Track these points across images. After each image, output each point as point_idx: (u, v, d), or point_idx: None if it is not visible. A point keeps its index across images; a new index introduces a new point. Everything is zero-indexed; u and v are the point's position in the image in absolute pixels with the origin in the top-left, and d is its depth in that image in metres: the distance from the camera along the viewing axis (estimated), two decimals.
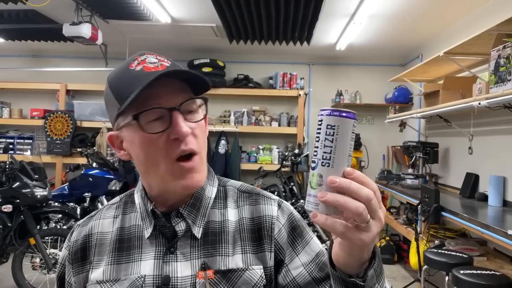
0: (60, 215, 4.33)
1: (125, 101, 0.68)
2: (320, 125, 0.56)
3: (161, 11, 4.03)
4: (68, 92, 5.94)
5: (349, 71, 5.98)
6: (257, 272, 0.76)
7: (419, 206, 3.42)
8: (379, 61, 5.84)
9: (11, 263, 3.51)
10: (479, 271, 2.38)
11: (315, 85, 6.01)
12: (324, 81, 5.99)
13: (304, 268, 0.77)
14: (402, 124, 4.94)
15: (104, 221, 0.83)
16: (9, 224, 3.54)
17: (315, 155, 0.56)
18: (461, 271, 2.36)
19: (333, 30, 4.63)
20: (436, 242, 3.23)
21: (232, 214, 0.81)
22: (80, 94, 6.07)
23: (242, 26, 4.45)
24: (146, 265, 0.75)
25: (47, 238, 3.65)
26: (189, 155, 0.72)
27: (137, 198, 0.82)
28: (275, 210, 0.82)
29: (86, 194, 4.73)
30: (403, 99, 5.40)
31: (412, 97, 5.39)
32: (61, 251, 3.61)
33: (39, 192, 3.61)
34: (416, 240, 3.32)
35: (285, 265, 0.78)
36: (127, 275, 0.75)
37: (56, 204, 4.28)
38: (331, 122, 0.55)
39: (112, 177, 4.90)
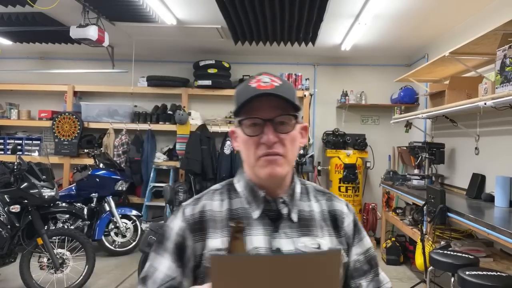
0: (67, 215, 4.38)
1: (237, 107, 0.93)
2: None
3: (167, 13, 4.06)
4: (75, 93, 6.00)
5: (355, 72, 5.97)
6: (341, 251, 0.97)
7: (424, 207, 3.41)
8: (384, 61, 5.82)
9: (19, 263, 3.55)
10: (485, 272, 2.36)
11: (320, 86, 6.00)
12: (330, 82, 5.98)
13: (357, 257, 1.01)
14: (408, 125, 4.92)
15: (213, 203, 1.00)
16: (17, 224, 3.59)
17: None
18: (467, 272, 2.34)
19: (338, 31, 4.63)
20: (442, 243, 3.21)
21: (315, 206, 1.02)
22: (87, 95, 6.13)
23: (247, 27, 4.46)
24: (257, 240, 0.92)
25: (54, 238, 3.69)
26: (273, 155, 0.91)
27: (240, 186, 1.01)
28: (345, 208, 1.05)
29: (93, 194, 4.78)
30: (408, 100, 5.38)
31: (418, 98, 5.36)
32: (68, 251, 3.65)
33: (47, 193, 3.65)
34: (422, 241, 3.31)
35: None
36: None
37: (64, 204, 4.33)
38: None
39: (119, 177, 4.94)
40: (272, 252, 0.90)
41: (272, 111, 0.91)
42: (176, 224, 0.98)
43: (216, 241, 0.93)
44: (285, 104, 0.91)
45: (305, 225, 0.96)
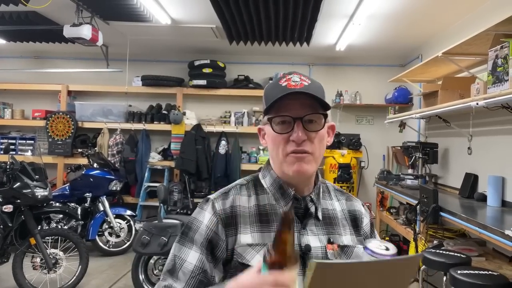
0: (61, 215, 4.36)
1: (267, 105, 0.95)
2: None
3: (161, 12, 4.05)
4: (69, 93, 5.98)
5: (349, 72, 5.99)
6: (361, 249, 0.99)
7: (418, 207, 3.42)
8: (379, 61, 5.84)
9: (11, 263, 3.53)
10: (476, 271, 2.37)
11: None
12: (324, 82, 5.82)
13: None
14: (402, 125, 4.94)
15: (242, 198, 1.01)
16: (10, 224, 3.57)
17: None
18: (459, 271, 2.35)
19: (333, 31, 4.64)
20: (435, 242, 3.22)
21: (337, 205, 1.06)
22: (81, 95, 6.10)
23: (242, 27, 4.46)
24: None
25: (47, 238, 3.67)
26: (302, 152, 0.93)
27: (266, 182, 1.03)
28: (362, 208, 1.10)
29: (87, 194, 4.76)
30: (403, 100, 5.40)
31: (412, 98, 5.39)
32: (61, 251, 3.64)
33: (40, 193, 3.63)
34: (415, 240, 3.32)
35: None
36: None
37: (57, 204, 4.32)
38: None
39: (113, 177, 4.93)
40: (304, 248, 0.93)
41: (302, 109, 0.93)
42: (206, 217, 0.97)
43: (247, 237, 0.94)
44: (314, 103, 0.93)
45: (329, 223, 1.00)
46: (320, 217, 0.99)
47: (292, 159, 0.94)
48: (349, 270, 0.72)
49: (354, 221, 1.05)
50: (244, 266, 0.90)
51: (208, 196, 1.02)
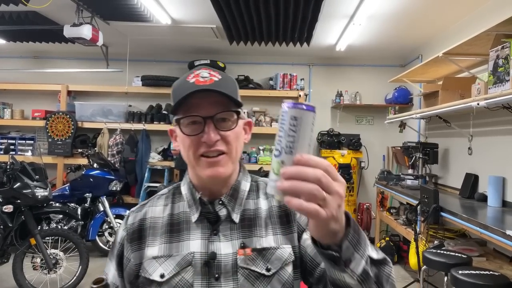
0: (61, 216, 4.35)
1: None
2: (284, 116, 0.60)
3: (161, 12, 4.04)
4: (69, 93, 5.96)
5: (349, 72, 5.99)
6: (286, 250, 0.91)
7: (418, 207, 3.43)
8: (379, 62, 5.84)
9: (12, 263, 3.53)
10: (477, 271, 2.38)
11: (315, 86, 6.02)
12: (324, 82, 5.99)
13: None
14: (402, 125, 4.94)
15: (156, 209, 0.97)
16: (10, 225, 3.56)
17: (279, 143, 0.60)
18: (460, 271, 2.36)
19: (333, 31, 4.64)
20: (436, 242, 3.23)
21: (263, 204, 0.97)
22: (81, 95, 6.10)
23: (242, 27, 4.46)
24: (194, 244, 0.89)
25: (47, 238, 3.67)
26: (215, 153, 0.86)
27: (184, 189, 0.98)
28: None
29: (87, 194, 4.75)
30: (403, 100, 5.40)
31: (412, 98, 5.39)
32: (61, 251, 3.64)
33: (40, 193, 3.63)
34: (415, 240, 3.32)
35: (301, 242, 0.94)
36: (178, 252, 0.89)
37: (57, 204, 4.31)
38: (295, 114, 0.59)
39: (113, 177, 4.92)
40: (208, 257, 0.87)
41: (212, 107, 0.85)
42: (119, 232, 0.97)
43: (154, 249, 0.91)
44: (225, 100, 0.86)
45: (247, 226, 0.92)
46: (237, 219, 0.91)
47: (205, 163, 0.86)
48: None
49: (285, 217, 0.94)
50: (147, 280, 0.88)
51: (132, 209, 1.02)
